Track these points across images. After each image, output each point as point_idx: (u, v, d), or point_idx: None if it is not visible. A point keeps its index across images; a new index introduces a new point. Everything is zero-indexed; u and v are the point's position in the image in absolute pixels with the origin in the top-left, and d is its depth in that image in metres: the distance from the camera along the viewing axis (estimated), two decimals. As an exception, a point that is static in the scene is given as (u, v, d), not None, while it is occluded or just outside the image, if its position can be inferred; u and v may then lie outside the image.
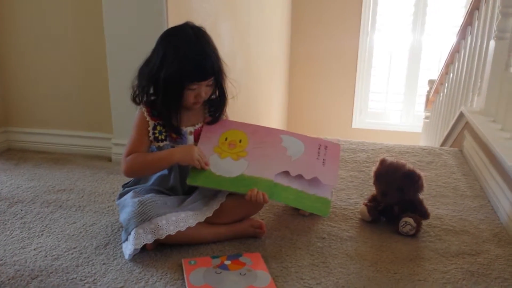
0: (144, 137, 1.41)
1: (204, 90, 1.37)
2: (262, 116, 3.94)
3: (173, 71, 1.31)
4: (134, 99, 1.43)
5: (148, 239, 1.26)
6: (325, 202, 1.45)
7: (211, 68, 1.35)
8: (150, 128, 1.40)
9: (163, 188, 1.44)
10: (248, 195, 1.35)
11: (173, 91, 1.34)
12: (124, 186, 1.52)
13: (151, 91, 1.40)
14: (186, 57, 1.31)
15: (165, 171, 1.45)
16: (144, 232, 1.26)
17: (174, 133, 1.42)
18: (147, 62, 1.38)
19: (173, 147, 1.43)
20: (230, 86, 1.46)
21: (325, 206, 1.45)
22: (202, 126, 1.48)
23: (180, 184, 1.44)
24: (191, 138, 1.45)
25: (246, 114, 3.20)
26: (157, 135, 1.41)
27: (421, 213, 1.50)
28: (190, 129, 1.45)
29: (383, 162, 1.55)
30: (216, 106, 1.48)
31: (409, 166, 1.51)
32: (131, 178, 1.50)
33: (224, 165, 1.42)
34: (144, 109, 1.41)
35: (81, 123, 2.29)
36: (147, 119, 1.40)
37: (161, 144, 1.41)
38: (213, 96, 1.46)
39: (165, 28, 1.93)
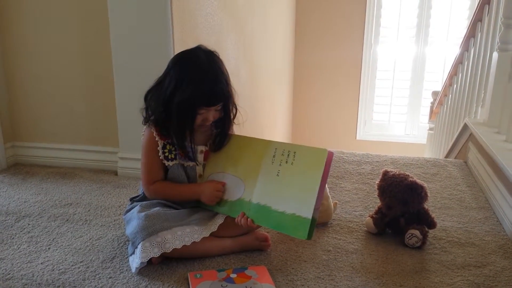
0: (157, 159, 1.42)
1: (212, 114, 1.39)
2: (266, 128, 3.95)
3: (186, 96, 1.33)
4: (147, 122, 1.44)
5: (155, 253, 1.27)
6: (304, 223, 1.26)
7: (221, 94, 1.36)
8: (159, 148, 1.41)
9: (171, 201, 1.45)
10: (236, 220, 1.37)
11: (186, 115, 1.35)
12: (131, 199, 1.53)
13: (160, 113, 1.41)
14: (199, 84, 1.33)
15: None
16: (151, 246, 1.27)
17: (184, 154, 1.43)
18: (158, 84, 1.40)
19: (182, 165, 1.44)
20: (238, 112, 1.47)
21: (303, 227, 1.26)
22: (209, 147, 1.49)
23: None
24: (201, 157, 1.47)
25: (250, 126, 3.21)
26: (167, 154, 1.42)
27: (427, 223, 1.50)
28: (201, 148, 1.47)
29: (385, 174, 1.56)
30: (221, 127, 1.47)
31: (411, 177, 1.51)
32: (139, 192, 1.52)
33: (226, 185, 1.44)
34: (153, 128, 1.42)
35: (88, 137, 2.31)
36: (156, 139, 1.41)
37: (170, 163, 1.42)
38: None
39: (171, 45, 1.97)
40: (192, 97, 1.33)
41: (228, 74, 1.40)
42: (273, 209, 1.33)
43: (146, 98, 1.42)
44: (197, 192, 1.44)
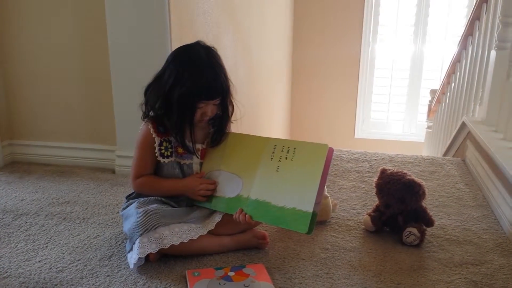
0: (150, 156, 1.42)
1: (210, 108, 1.39)
2: (264, 126, 3.95)
3: (185, 90, 1.33)
4: (146, 117, 1.44)
5: (153, 248, 1.27)
6: (304, 217, 1.26)
7: (220, 88, 1.37)
8: (156, 145, 1.41)
9: (168, 199, 1.45)
10: (234, 217, 1.36)
11: (185, 109, 1.35)
12: (127, 197, 1.52)
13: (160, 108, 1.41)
14: (198, 77, 1.33)
15: None
16: (149, 241, 1.27)
17: (184, 149, 1.43)
18: (157, 79, 1.40)
19: (178, 162, 1.44)
20: (235, 107, 1.47)
21: (303, 221, 1.25)
22: (206, 145, 1.49)
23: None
24: (198, 155, 1.47)
25: (248, 124, 3.21)
26: (163, 151, 1.42)
27: (425, 221, 1.50)
28: (198, 146, 1.47)
29: (383, 172, 1.56)
30: (218, 124, 1.47)
31: (409, 175, 1.51)
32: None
33: (223, 183, 1.43)
34: (150, 125, 1.42)
35: (85, 136, 2.31)
36: (153, 135, 1.41)
37: (166, 160, 1.42)
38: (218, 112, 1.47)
39: (168, 41, 1.96)
40: (192, 90, 1.33)
41: (226, 69, 1.40)
42: (272, 204, 1.32)
43: (146, 92, 1.42)
44: (179, 186, 1.43)
